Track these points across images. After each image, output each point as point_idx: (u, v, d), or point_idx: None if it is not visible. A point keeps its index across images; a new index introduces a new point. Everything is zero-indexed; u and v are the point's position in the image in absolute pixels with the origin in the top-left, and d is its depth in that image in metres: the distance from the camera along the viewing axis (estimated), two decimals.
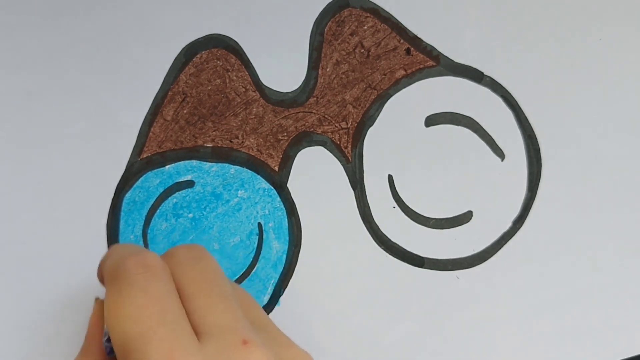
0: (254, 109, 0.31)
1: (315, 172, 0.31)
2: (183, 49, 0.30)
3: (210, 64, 0.31)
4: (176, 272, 0.23)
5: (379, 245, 0.32)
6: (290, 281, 0.31)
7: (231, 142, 0.31)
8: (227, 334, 0.22)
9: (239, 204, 0.31)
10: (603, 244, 0.33)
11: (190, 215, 0.30)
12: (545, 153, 0.32)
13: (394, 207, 0.32)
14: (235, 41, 0.31)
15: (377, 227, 0.32)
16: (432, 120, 0.32)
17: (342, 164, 0.31)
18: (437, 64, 0.32)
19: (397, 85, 0.32)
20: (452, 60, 0.32)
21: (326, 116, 0.31)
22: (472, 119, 0.32)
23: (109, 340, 0.23)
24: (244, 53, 0.31)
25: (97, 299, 0.26)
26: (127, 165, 0.30)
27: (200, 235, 0.30)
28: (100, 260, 0.25)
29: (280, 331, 0.24)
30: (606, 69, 0.33)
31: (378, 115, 0.32)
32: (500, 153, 0.32)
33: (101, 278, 0.25)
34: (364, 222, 0.32)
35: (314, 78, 0.31)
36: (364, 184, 0.32)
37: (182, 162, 0.30)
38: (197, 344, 0.21)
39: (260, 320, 0.24)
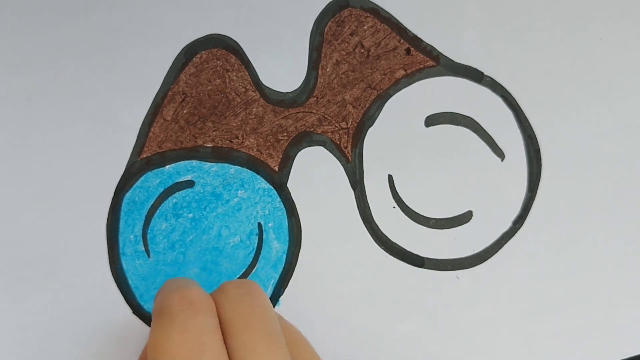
0: (254, 109, 0.31)
1: (315, 172, 0.31)
2: (183, 49, 0.30)
3: (210, 64, 0.31)
4: (223, 307, 0.23)
5: (379, 245, 0.32)
6: (290, 281, 0.31)
7: (231, 142, 0.31)
8: None
9: (239, 204, 0.31)
10: (603, 244, 0.33)
11: (190, 215, 0.30)
12: (545, 153, 0.32)
13: (394, 207, 0.32)
14: (235, 41, 0.31)
15: (377, 227, 0.32)
16: (432, 120, 0.32)
17: (342, 164, 0.31)
18: (437, 64, 0.32)
19: (397, 85, 0.32)
20: (452, 60, 0.32)
21: (326, 116, 0.31)
22: (472, 119, 0.32)
23: None
24: (244, 53, 0.31)
25: None
26: (127, 165, 0.30)
27: (200, 235, 0.30)
28: (156, 293, 0.25)
29: None
30: (606, 68, 0.33)
31: (378, 115, 0.32)
32: (500, 153, 0.32)
33: None
34: (364, 222, 0.32)
35: (313, 78, 0.31)
36: (364, 184, 0.32)
37: (182, 162, 0.30)
38: None
39: None
